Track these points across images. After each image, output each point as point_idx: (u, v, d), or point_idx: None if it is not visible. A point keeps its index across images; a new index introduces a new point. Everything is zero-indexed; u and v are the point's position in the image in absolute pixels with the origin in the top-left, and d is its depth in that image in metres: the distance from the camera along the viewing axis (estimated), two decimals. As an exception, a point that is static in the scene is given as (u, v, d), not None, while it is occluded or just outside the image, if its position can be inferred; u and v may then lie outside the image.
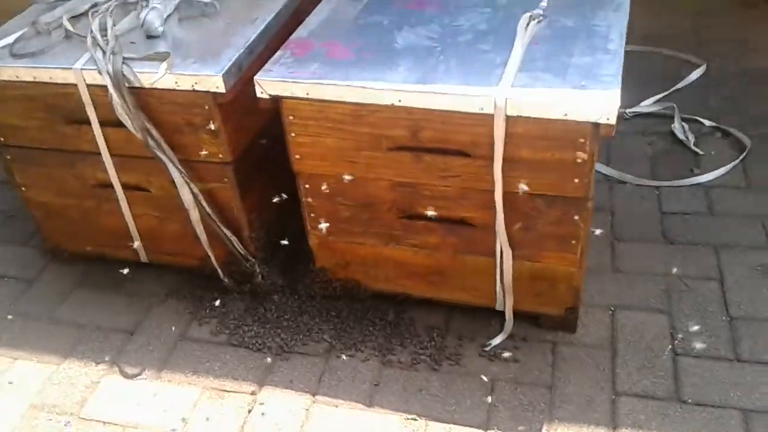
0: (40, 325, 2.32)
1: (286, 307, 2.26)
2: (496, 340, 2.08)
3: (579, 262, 1.94)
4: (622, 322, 2.11)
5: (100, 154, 2.16)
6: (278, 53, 1.95)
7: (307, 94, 1.83)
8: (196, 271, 2.36)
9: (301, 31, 2.05)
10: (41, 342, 2.25)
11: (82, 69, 1.99)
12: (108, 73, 1.95)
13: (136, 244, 2.37)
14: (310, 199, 2.06)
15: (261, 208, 2.27)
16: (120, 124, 2.04)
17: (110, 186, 2.24)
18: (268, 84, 1.86)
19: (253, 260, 2.25)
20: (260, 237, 2.27)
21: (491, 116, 1.72)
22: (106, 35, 2.05)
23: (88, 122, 2.10)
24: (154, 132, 2.02)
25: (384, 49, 1.92)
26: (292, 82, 1.84)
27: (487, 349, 2.07)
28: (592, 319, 2.11)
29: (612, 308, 2.16)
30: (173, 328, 2.25)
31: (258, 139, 2.21)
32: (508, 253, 1.94)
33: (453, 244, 2.01)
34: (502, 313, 2.10)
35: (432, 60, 1.85)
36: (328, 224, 2.09)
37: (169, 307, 2.33)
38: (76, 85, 2.02)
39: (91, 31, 2.06)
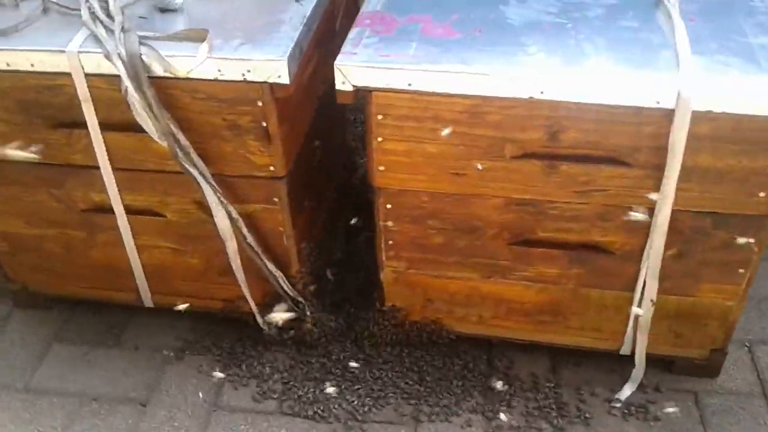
0: (11, 398, 1.73)
1: (347, 360, 1.77)
2: (625, 392, 1.67)
3: (742, 295, 1.54)
4: (765, 360, 1.73)
5: (98, 167, 1.61)
6: (354, 31, 1.46)
7: (410, 84, 1.35)
8: (217, 318, 1.84)
9: (372, 3, 1.56)
10: (15, 425, 1.67)
11: (79, 52, 1.43)
12: (121, 57, 1.40)
13: (140, 284, 1.82)
14: (390, 223, 1.57)
15: (310, 236, 1.77)
16: (128, 128, 1.50)
17: (109, 211, 1.68)
18: (354, 72, 1.36)
19: (303, 302, 1.74)
20: (309, 271, 1.77)
21: (669, 112, 1.29)
22: (106, 6, 1.50)
23: (83, 125, 1.54)
24: (181, 138, 1.49)
25: (497, 25, 1.46)
26: (389, 68, 1.35)
27: (618, 405, 1.65)
28: (729, 359, 1.72)
29: (747, 343, 1.78)
30: (200, 395, 1.72)
31: (310, 144, 1.70)
32: (653, 287, 1.52)
33: (577, 276, 1.58)
34: (623, 358, 1.68)
35: (569, 40, 1.40)
36: (411, 254, 1.61)
37: (189, 365, 1.80)
38: (69, 74, 1.46)
39: (87, 1, 1.50)
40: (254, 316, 1.77)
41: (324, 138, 1.82)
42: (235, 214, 1.58)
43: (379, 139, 1.44)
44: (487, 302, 1.67)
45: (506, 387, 1.70)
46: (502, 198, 1.48)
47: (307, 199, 1.73)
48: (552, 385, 1.70)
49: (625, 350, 1.68)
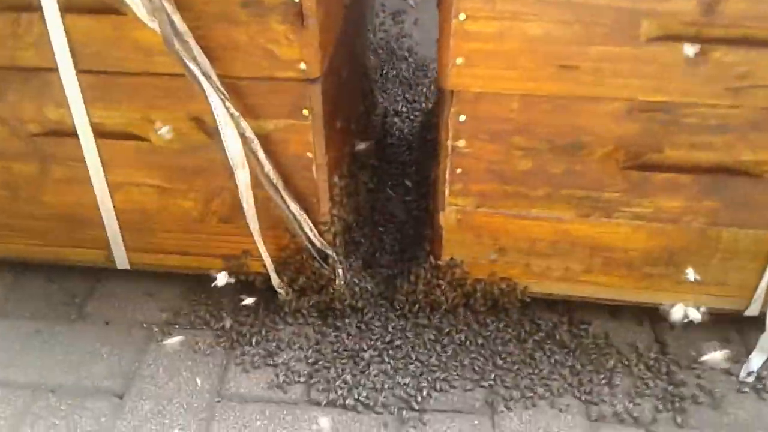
0: (-60, 392, 1.27)
1: (391, 332, 1.36)
2: (754, 364, 1.30)
3: None
4: None
5: (55, 69, 1.15)
6: None
7: (515, -72, 0.94)
8: (212, 281, 1.40)
9: None
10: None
11: None
12: None
13: (112, 238, 1.37)
14: (461, 143, 1.17)
15: (342, 169, 1.35)
16: (101, 8, 1.06)
17: (70, 134, 1.23)
18: None
19: (333, 256, 1.32)
20: (342, 216, 1.35)
21: None
22: None
23: (36, 8, 1.09)
24: (177, 20, 1.05)
25: None
26: None
27: (749, 380, 1.28)
28: None
29: None
30: (198, 381, 1.29)
31: (341, 47, 1.28)
32: (811, 223, 1.15)
33: (709, 210, 1.20)
34: (738, 320, 1.32)
35: None
36: (485, 186, 1.21)
37: (180, 344, 1.36)
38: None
39: None
40: (267, 278, 1.34)
41: (351, 52, 1.40)
42: (249, 133, 1.15)
43: (462, 16, 1.03)
44: (578, 251, 1.28)
45: (602, 362, 1.31)
46: (624, 101, 1.09)
47: (339, 118, 1.31)
48: (659, 357, 1.32)
49: (752, 311, 1.31)
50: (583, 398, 1.25)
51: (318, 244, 1.30)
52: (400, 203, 1.64)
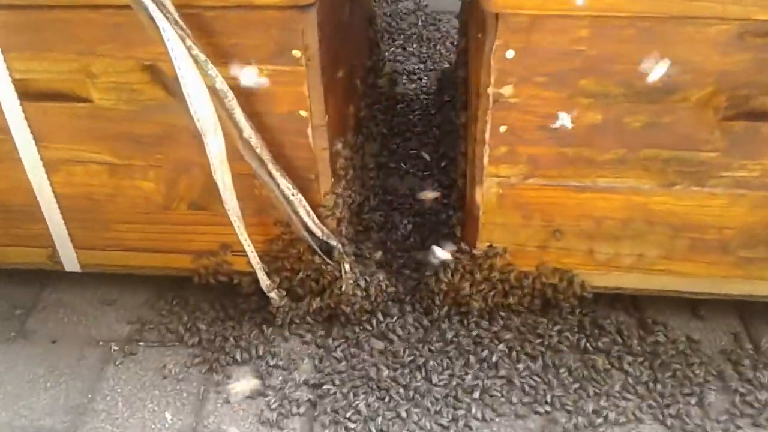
0: None
1: (417, 344, 1.06)
2: None
3: None
4: None
5: (-46, 5, 0.85)
6: None
7: None
8: (187, 284, 1.11)
9: None
10: None
11: None
12: None
13: (55, 233, 1.07)
14: (507, 90, 0.87)
15: (345, 138, 1.05)
16: None
17: (-14, 95, 0.93)
18: None
19: (339, 247, 1.02)
20: (348, 195, 1.05)
21: None
22: None
23: None
24: None
25: None
26: None
27: None
28: None
29: None
30: (168, 417, 0.99)
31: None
32: None
33: (833, 172, 0.90)
34: None
35: None
36: (537, 149, 0.91)
37: (145, 366, 1.06)
38: None
39: None
40: (254, 278, 1.05)
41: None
42: (221, 85, 0.85)
43: None
44: (657, 231, 0.99)
45: (688, 375, 1.02)
46: (734, 22, 0.79)
47: (342, 68, 1.01)
48: (757, 365, 1.03)
49: None
50: (668, 423, 0.96)
51: (318, 233, 1.00)
52: (417, 180, 1.34)
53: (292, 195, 0.96)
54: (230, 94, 0.86)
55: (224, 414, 0.99)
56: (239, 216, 0.97)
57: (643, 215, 0.97)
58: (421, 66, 1.58)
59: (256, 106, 0.90)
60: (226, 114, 0.88)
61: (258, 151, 0.91)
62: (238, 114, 0.87)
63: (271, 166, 0.93)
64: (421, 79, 1.55)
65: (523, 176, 0.95)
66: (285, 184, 0.95)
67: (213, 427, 0.97)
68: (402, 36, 1.66)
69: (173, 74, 0.83)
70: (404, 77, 1.56)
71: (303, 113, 0.91)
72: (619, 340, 1.06)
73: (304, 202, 0.97)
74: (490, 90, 0.87)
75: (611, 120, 0.88)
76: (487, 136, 0.91)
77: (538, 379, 1.01)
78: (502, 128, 0.90)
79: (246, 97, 0.88)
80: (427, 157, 1.38)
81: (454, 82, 1.39)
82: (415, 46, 1.63)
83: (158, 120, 0.93)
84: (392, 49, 1.63)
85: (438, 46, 1.63)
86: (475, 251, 1.03)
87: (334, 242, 1.02)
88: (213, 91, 0.85)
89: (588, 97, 0.86)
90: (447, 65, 1.58)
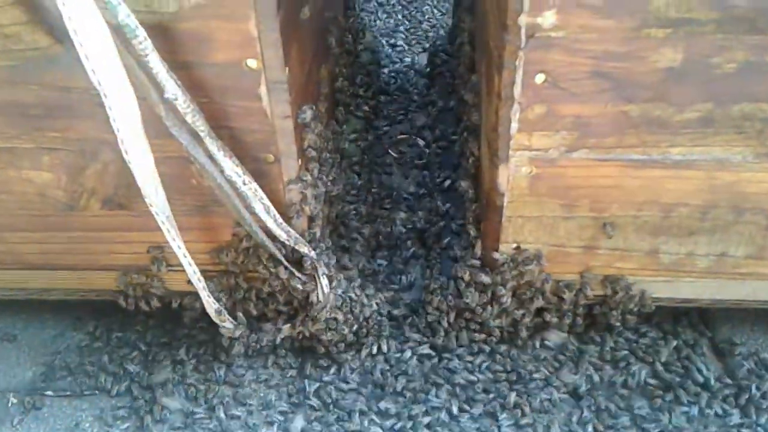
0: None
1: (421, 382, 0.78)
2: None
3: None
4: None
5: None
6: None
7: None
8: (105, 312, 0.83)
9: None
10: None
11: None
12: None
13: None
14: (547, 18, 0.59)
15: (316, 107, 0.77)
16: None
17: None
18: None
19: (312, 255, 0.74)
20: (320, 185, 0.77)
21: None
22: None
23: None
24: None
25: None
26: None
27: None
28: None
29: None
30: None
31: None
32: None
33: None
34: None
35: None
36: (587, 107, 0.64)
37: (47, 422, 0.77)
38: None
39: None
40: (196, 300, 0.76)
41: None
42: (128, 18, 0.57)
43: None
44: (749, 221, 0.72)
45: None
46: None
47: (306, 3, 0.73)
48: None
49: None
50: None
51: (283, 236, 0.72)
52: (410, 169, 1.07)
53: (244, 184, 0.68)
54: (141, 33, 0.58)
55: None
56: (169, 216, 0.68)
57: (730, 199, 0.70)
58: (408, 37, 1.30)
59: (184, 52, 0.62)
60: (140, 68, 0.60)
61: (190, 119, 0.63)
62: (156, 63, 0.59)
63: (211, 143, 0.65)
64: (411, 53, 1.27)
65: (566, 148, 0.68)
66: (232, 169, 0.67)
67: None
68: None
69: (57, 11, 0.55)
70: (390, 51, 1.28)
71: (252, 63, 0.63)
72: (691, 368, 0.79)
73: (261, 193, 0.69)
74: (523, 20, 0.60)
75: (695, 61, 0.61)
76: (516, 90, 0.64)
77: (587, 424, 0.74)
78: (539, 77, 0.63)
79: (167, 37, 0.61)
80: (421, 142, 1.10)
81: (453, 40, 1.12)
82: (401, 16, 1.35)
83: (46, 80, 0.65)
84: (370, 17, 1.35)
85: (427, 9, 1.35)
86: (496, 255, 0.76)
87: (304, 249, 0.74)
88: (120, 33, 0.57)
89: (663, 26, 0.60)
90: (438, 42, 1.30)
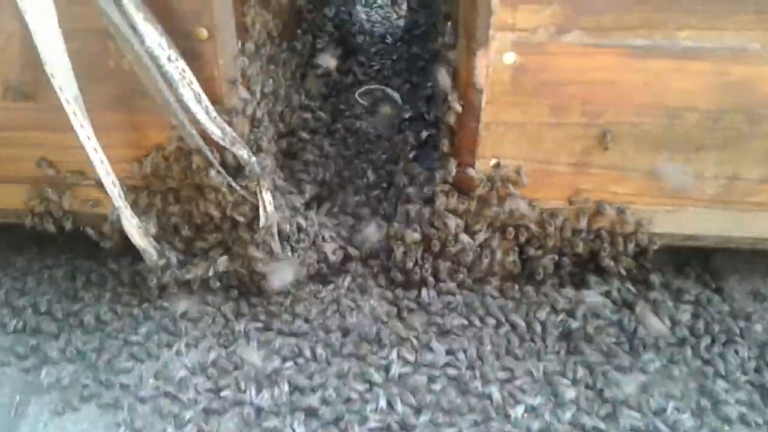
0: None
1: (386, 334, 0.66)
2: None
3: None
4: None
5: None
6: None
7: None
8: (4, 231, 0.70)
9: None
10: None
11: None
12: None
13: None
14: None
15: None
16: None
17: None
18: None
19: (254, 165, 0.62)
20: (264, 74, 0.66)
21: None
22: None
23: None
24: None
25: None
26: None
27: None
28: None
29: None
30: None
31: None
32: None
33: None
34: None
35: None
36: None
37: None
38: None
39: None
40: (117, 219, 0.64)
41: None
42: None
43: None
44: (766, 131, 0.61)
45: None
46: None
47: None
48: None
49: None
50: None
51: (216, 132, 0.60)
52: (382, 103, 0.96)
53: (169, 60, 0.56)
54: None
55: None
56: (81, 108, 0.56)
57: (745, 103, 0.60)
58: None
59: None
60: None
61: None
62: None
63: (129, 4, 0.54)
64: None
65: (556, 28, 0.57)
66: (154, 40, 0.55)
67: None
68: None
69: None
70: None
71: None
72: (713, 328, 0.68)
73: (190, 76, 0.58)
74: None
75: None
76: (497, -53, 0.53)
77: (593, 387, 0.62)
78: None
79: None
80: (396, 96, 0.99)
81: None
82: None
83: None
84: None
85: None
86: (471, 171, 0.64)
87: (244, 153, 0.62)
88: None
89: None
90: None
